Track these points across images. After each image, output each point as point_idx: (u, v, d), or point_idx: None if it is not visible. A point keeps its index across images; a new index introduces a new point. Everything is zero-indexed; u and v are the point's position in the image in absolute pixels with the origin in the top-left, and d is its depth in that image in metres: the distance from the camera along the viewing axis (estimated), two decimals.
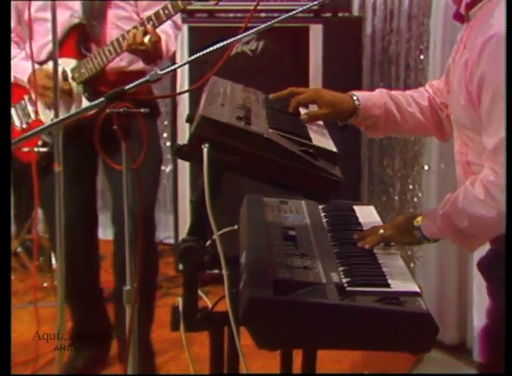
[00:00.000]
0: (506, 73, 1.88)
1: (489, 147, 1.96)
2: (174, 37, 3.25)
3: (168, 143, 5.08)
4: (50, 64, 3.07)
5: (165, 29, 3.19)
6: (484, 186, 1.97)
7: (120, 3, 3.24)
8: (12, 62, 3.25)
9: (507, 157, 1.91)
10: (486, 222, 1.99)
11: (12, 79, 3.28)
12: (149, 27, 3.01)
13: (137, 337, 2.40)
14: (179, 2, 2.99)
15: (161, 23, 3.05)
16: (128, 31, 3.07)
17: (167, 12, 3.01)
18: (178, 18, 3.28)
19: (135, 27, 3.05)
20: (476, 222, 2.00)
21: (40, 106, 3.24)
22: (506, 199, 1.92)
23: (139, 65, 3.27)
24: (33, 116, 3.29)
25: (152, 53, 3.09)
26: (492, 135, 1.94)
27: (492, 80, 1.93)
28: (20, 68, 3.25)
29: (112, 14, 3.24)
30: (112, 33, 3.22)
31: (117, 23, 3.24)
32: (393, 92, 2.36)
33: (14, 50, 3.32)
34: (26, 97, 3.32)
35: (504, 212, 1.93)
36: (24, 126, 3.34)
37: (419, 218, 2.10)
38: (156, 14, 3.02)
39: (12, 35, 3.33)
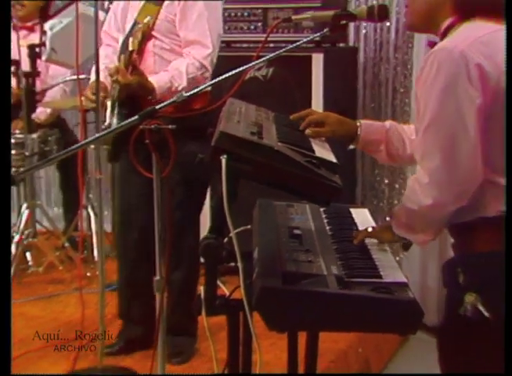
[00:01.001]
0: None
1: (415, 145, 1.97)
2: (185, 75, 3.12)
3: None
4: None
5: (178, 66, 3.13)
6: (411, 182, 1.98)
7: (159, 35, 3.21)
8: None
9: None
10: (413, 216, 1.96)
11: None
12: (121, 64, 3.01)
13: (165, 319, 2.39)
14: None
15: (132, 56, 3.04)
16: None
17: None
18: (204, 59, 3.18)
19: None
20: (408, 216, 1.98)
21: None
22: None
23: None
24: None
25: (135, 88, 3.03)
26: (418, 136, 1.94)
27: (422, 92, 1.91)
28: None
29: (151, 44, 3.20)
30: (150, 61, 3.19)
31: (156, 51, 3.21)
32: (401, 125, 2.31)
33: (107, 59, 3.33)
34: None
35: (422, 205, 1.90)
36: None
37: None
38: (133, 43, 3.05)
39: (115, 44, 3.34)
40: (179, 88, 3.08)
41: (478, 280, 1.92)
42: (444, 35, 2.02)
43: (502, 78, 1.89)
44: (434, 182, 1.87)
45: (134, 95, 3.07)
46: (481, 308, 1.88)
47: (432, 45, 2.07)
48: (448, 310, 2.04)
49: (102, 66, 3.19)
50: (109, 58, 3.33)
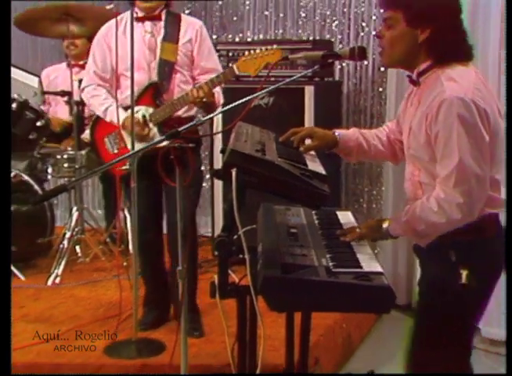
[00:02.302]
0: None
1: (442, 175, 1.94)
2: (221, 94, 3.19)
3: (208, 167, 5.07)
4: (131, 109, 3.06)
5: (216, 89, 3.13)
6: (437, 202, 1.94)
7: (180, 69, 3.20)
8: (110, 108, 3.22)
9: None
10: (437, 227, 1.98)
11: (108, 119, 3.25)
12: (206, 87, 2.99)
13: (187, 301, 2.37)
14: (228, 75, 2.99)
15: (215, 86, 3.03)
16: (192, 90, 3.03)
17: (219, 79, 3.00)
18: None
19: (199, 87, 3.01)
20: (430, 226, 1.99)
21: (127, 138, 3.16)
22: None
23: (190, 113, 3.21)
24: (119, 145, 3.25)
25: (209, 104, 3.05)
26: (445, 168, 1.93)
27: (444, 132, 1.92)
28: (111, 112, 3.21)
29: (176, 77, 3.19)
30: (176, 91, 3.18)
31: (179, 84, 3.19)
32: (362, 130, 2.36)
33: (109, 98, 3.25)
34: (115, 132, 3.25)
35: (453, 219, 1.94)
36: (115, 151, 3.30)
37: (386, 222, 2.09)
38: (212, 80, 3.00)
39: (107, 85, 3.28)
40: (220, 105, 3.17)
41: (469, 259, 2.00)
42: (421, 75, 2.05)
43: (496, 117, 1.97)
44: (468, 202, 1.92)
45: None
46: (471, 279, 1.98)
47: (411, 80, 2.11)
48: (442, 282, 2.04)
49: (106, 105, 3.22)
50: (109, 97, 3.26)
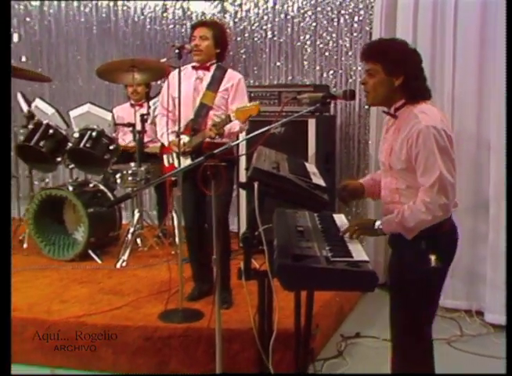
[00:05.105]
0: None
1: (427, 185, 1.95)
2: (238, 125, 3.09)
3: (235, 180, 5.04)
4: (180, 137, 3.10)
5: (235, 122, 3.06)
6: (425, 204, 1.95)
7: (217, 108, 3.16)
8: (164, 134, 3.25)
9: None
10: (424, 223, 1.97)
11: (163, 141, 3.29)
12: (214, 128, 2.97)
13: (219, 281, 2.33)
14: (227, 119, 2.96)
15: (221, 126, 2.99)
16: (206, 129, 3.03)
17: (222, 122, 2.97)
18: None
19: (209, 129, 3.01)
20: (419, 223, 1.97)
21: (175, 157, 3.20)
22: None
23: (221, 140, 3.16)
24: (170, 162, 3.30)
25: (221, 135, 3.04)
26: (428, 179, 1.94)
27: (424, 153, 1.93)
28: (165, 136, 3.24)
29: (211, 114, 3.16)
30: (208, 122, 3.15)
31: (213, 117, 3.14)
32: (375, 175, 2.33)
33: (165, 126, 3.25)
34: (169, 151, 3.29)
35: (436, 216, 1.95)
36: (167, 165, 3.33)
37: (378, 222, 2.07)
38: (218, 123, 2.98)
39: (170, 114, 3.27)
40: (234, 132, 3.12)
41: (435, 247, 1.99)
42: (397, 110, 2.05)
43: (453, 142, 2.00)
44: (447, 203, 1.94)
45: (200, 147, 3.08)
46: (437, 262, 1.98)
47: (388, 113, 2.11)
48: (415, 265, 2.02)
49: (162, 131, 3.25)
50: (165, 125, 3.26)
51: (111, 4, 5.38)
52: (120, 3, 5.36)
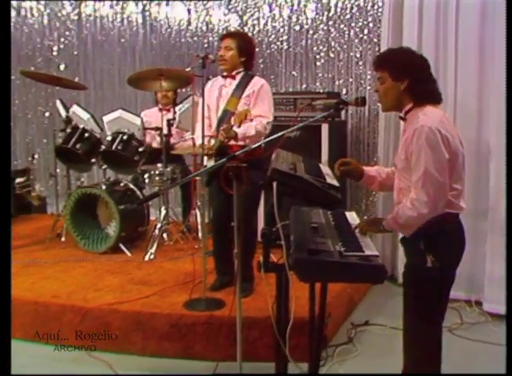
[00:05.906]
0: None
1: (414, 180, 1.91)
2: (254, 128, 3.04)
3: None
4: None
5: (252, 124, 3.04)
6: (411, 201, 1.91)
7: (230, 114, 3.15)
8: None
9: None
10: (412, 219, 1.93)
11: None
12: (223, 132, 2.93)
13: (240, 273, 2.33)
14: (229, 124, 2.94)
15: (229, 129, 2.93)
16: (219, 134, 3.01)
17: (227, 126, 2.94)
18: (267, 124, 3.11)
19: (220, 134, 2.97)
20: (407, 219, 1.93)
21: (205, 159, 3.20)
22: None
23: (242, 142, 3.14)
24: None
25: (233, 139, 3.00)
26: (416, 175, 1.90)
27: (416, 150, 1.89)
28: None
29: (232, 118, 3.09)
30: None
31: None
32: (381, 168, 2.29)
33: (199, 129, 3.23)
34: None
35: (421, 213, 1.88)
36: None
37: (384, 220, 2.04)
38: (226, 127, 2.94)
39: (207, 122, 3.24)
40: (247, 135, 3.04)
41: (433, 247, 1.93)
42: (407, 113, 2.02)
43: (457, 144, 1.94)
44: (432, 200, 1.87)
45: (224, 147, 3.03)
46: (435, 262, 1.92)
47: (401, 117, 2.07)
48: (415, 265, 1.99)
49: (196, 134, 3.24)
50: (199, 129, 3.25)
51: (140, 19, 5.43)
52: (148, 18, 5.42)
